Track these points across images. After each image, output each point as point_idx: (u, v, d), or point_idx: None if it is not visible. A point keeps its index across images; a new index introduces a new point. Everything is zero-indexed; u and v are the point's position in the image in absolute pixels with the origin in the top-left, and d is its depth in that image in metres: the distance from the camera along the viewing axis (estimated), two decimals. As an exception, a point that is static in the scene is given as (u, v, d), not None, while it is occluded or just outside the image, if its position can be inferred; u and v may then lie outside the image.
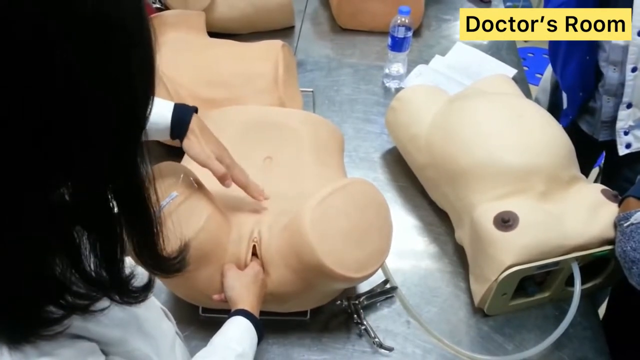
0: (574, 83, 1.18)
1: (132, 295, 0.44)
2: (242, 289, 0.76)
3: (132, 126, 0.38)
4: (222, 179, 0.79)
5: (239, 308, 0.74)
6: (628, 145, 1.17)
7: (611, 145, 1.20)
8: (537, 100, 1.40)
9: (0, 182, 0.33)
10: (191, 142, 0.78)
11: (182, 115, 0.79)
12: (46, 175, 0.35)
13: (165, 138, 0.80)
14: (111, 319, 0.47)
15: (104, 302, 0.43)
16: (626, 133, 1.16)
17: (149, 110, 0.39)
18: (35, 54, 0.30)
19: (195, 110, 0.81)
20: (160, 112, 0.77)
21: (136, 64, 0.36)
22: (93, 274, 0.40)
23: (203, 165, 0.78)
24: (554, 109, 1.31)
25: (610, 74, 1.11)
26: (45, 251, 0.37)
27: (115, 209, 0.40)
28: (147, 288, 0.46)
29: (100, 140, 0.36)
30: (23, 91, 0.31)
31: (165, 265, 0.47)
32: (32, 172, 0.34)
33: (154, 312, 0.61)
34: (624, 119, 1.14)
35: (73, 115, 0.33)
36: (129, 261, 0.44)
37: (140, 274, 0.46)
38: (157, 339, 0.58)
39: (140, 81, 0.37)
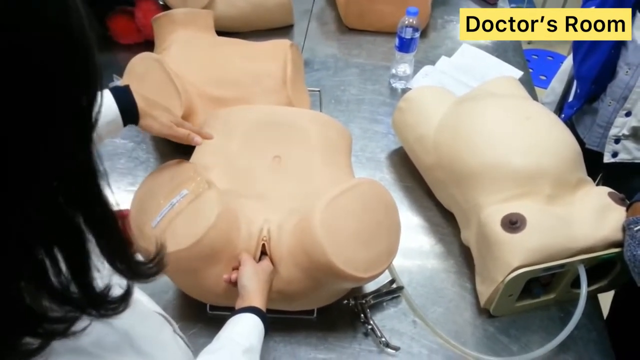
0: (589, 73, 1.15)
1: (110, 307, 0.41)
2: (259, 283, 0.77)
3: (85, 124, 0.37)
4: (189, 140, 0.80)
5: (253, 306, 0.74)
6: (615, 154, 1.16)
7: (596, 155, 1.19)
8: (551, 89, 1.39)
9: None
10: (148, 121, 0.79)
11: (126, 97, 0.77)
12: (12, 190, 0.33)
13: (117, 130, 0.78)
14: (103, 347, 0.44)
15: (84, 322, 0.40)
16: (617, 141, 1.15)
17: (97, 106, 0.38)
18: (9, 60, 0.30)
19: (128, 87, 0.79)
20: (105, 102, 0.77)
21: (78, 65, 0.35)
22: (63, 292, 0.37)
23: (169, 137, 0.79)
24: (564, 101, 1.31)
25: (621, 76, 1.10)
26: (13, 276, 0.35)
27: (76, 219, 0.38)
28: (126, 297, 0.43)
29: (58, 143, 0.35)
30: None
31: (140, 269, 0.44)
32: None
33: (150, 326, 0.56)
34: (619, 126, 1.13)
35: (36, 122, 0.33)
36: (106, 272, 0.42)
37: (118, 284, 0.43)
38: (154, 355, 0.53)
39: (84, 80, 0.36)
